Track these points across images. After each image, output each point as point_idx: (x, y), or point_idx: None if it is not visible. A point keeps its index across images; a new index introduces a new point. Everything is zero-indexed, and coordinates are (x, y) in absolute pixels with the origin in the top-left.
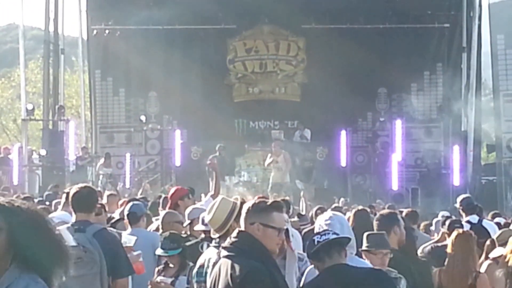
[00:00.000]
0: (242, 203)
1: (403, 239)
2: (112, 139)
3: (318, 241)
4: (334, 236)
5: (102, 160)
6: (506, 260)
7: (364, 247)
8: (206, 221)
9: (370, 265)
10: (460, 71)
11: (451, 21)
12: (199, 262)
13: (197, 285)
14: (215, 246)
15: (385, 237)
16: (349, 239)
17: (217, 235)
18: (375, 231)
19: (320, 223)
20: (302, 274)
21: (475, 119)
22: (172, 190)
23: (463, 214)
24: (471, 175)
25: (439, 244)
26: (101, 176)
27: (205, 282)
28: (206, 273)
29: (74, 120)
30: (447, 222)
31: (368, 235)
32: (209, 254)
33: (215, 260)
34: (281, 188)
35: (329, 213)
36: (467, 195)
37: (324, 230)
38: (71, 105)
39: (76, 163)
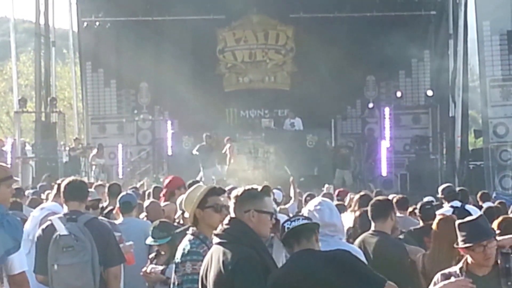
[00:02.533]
0: (212, 189)
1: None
2: (104, 130)
3: (287, 227)
4: (303, 221)
5: (94, 151)
6: None
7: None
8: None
9: (358, 250)
10: (447, 58)
11: (438, 9)
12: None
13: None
14: (192, 234)
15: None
16: (318, 224)
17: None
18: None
19: (310, 208)
20: None
21: (463, 105)
22: (168, 179)
23: (445, 203)
24: (459, 160)
25: (418, 227)
26: (94, 167)
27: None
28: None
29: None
30: (419, 205)
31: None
32: (183, 244)
33: (187, 250)
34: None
35: (318, 199)
36: (448, 184)
37: (295, 216)
38: (63, 97)
39: (68, 154)
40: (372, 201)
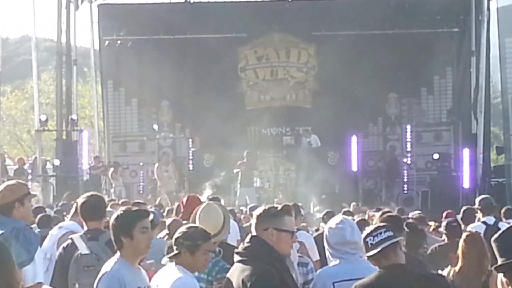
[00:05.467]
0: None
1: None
2: (125, 148)
3: (371, 244)
4: (386, 234)
5: (111, 169)
6: None
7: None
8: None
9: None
10: (469, 75)
11: (460, 26)
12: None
13: None
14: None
15: None
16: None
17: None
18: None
19: (331, 226)
20: (307, 282)
21: (485, 122)
22: (185, 198)
23: (481, 214)
24: (481, 177)
25: (443, 244)
26: (114, 185)
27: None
28: (217, 278)
29: (88, 130)
30: (444, 223)
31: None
32: None
33: (225, 267)
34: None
35: (339, 216)
36: (486, 196)
37: (375, 230)
38: (84, 115)
39: (89, 172)
40: (408, 221)
